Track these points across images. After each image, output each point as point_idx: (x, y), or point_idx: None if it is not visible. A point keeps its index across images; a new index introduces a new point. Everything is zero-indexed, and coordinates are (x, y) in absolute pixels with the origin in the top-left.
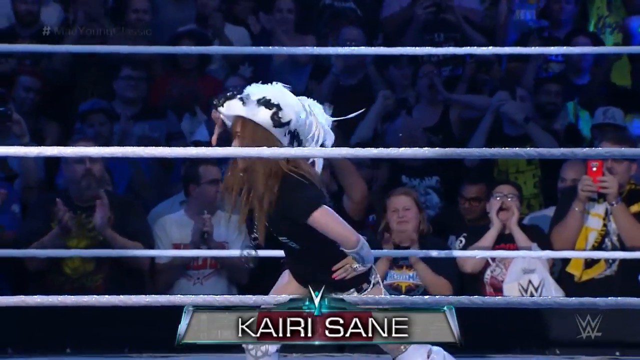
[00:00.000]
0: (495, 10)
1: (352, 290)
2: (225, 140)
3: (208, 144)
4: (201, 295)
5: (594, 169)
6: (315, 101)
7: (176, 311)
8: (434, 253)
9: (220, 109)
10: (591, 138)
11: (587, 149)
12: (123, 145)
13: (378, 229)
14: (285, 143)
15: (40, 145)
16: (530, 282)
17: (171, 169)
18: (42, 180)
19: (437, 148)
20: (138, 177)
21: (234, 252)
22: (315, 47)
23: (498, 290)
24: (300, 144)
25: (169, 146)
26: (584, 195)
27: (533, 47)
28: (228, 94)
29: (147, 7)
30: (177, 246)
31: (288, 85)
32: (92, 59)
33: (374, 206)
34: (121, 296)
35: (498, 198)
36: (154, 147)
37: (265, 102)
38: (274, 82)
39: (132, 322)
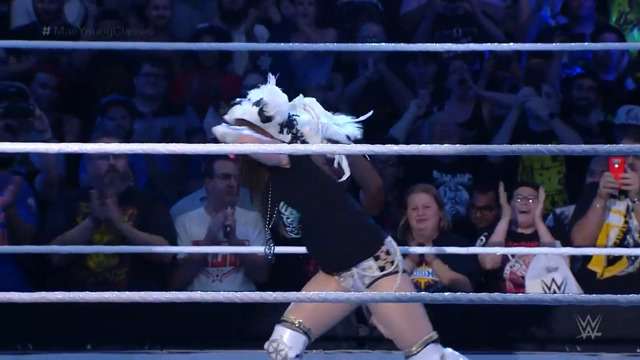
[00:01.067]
0: (515, 8)
1: (369, 259)
2: None
3: None
4: (221, 292)
5: (616, 165)
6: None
7: (196, 308)
8: (449, 250)
9: (226, 116)
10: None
11: (608, 145)
12: (144, 142)
13: (398, 226)
14: (285, 138)
15: (60, 142)
16: (553, 280)
17: (191, 165)
18: (63, 176)
19: (458, 145)
20: (156, 174)
21: (255, 249)
22: (332, 44)
23: (518, 285)
24: (303, 139)
25: (189, 142)
26: (605, 191)
27: (560, 44)
28: (232, 102)
29: (167, 3)
30: (196, 243)
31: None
32: (112, 56)
33: (393, 203)
34: (141, 292)
35: (518, 200)
36: (173, 144)
37: (256, 102)
38: (268, 81)
39: (152, 318)
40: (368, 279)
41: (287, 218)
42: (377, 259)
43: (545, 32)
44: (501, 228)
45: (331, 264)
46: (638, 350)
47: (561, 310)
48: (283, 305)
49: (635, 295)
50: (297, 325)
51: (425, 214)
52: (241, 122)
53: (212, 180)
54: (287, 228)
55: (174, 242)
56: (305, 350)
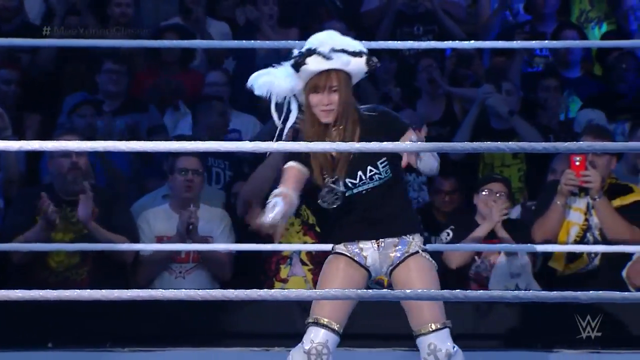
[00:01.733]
0: (476, 6)
1: (418, 234)
2: None
3: (190, 137)
4: (183, 290)
5: (577, 163)
6: None
7: (158, 305)
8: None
9: (305, 67)
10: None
11: (568, 143)
12: (105, 139)
13: None
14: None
15: (21, 139)
16: (517, 286)
17: (152, 163)
18: (23, 174)
19: (419, 142)
20: (116, 172)
21: (218, 246)
22: (298, 42)
23: (482, 286)
24: None
25: (151, 140)
26: (566, 189)
27: (521, 42)
28: (301, 51)
29: (130, 0)
30: (160, 239)
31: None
32: (75, 53)
33: None
34: (103, 291)
35: (485, 192)
36: (134, 142)
37: (355, 53)
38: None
39: (114, 316)
40: (414, 248)
41: (360, 183)
42: (422, 233)
43: (507, 30)
44: (483, 229)
45: (399, 227)
46: None
47: (561, 311)
48: (246, 303)
49: (596, 292)
50: (336, 329)
51: None
52: (335, 73)
53: (173, 176)
54: (336, 197)
55: (135, 241)
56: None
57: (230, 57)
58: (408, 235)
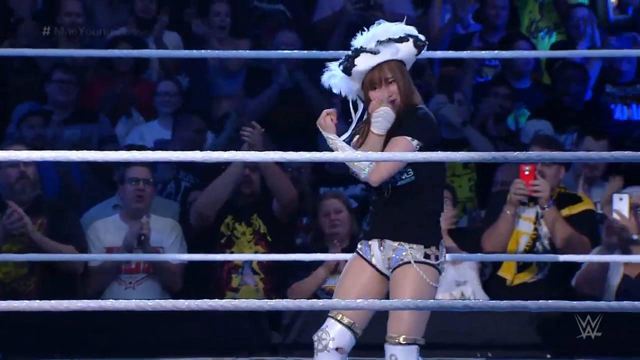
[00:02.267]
0: (426, 17)
1: (422, 245)
2: None
3: (142, 147)
4: (133, 300)
5: (527, 172)
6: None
7: (108, 316)
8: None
9: (356, 68)
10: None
11: (518, 152)
12: (55, 149)
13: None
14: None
15: None
16: (462, 294)
17: (103, 174)
18: None
19: (370, 152)
20: (67, 182)
21: (169, 257)
22: (250, 51)
23: None
24: None
25: (101, 150)
26: (515, 198)
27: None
28: (348, 54)
29: (80, 10)
30: (110, 250)
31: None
32: (24, 63)
33: (307, 208)
34: (52, 301)
35: None
36: (85, 151)
37: (401, 38)
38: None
39: (63, 326)
40: (408, 258)
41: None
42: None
43: (457, 40)
44: None
45: (403, 233)
46: None
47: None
48: (196, 313)
49: (545, 301)
50: (338, 319)
51: (338, 219)
52: (387, 64)
53: (124, 186)
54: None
55: (85, 252)
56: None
57: (182, 74)
58: (408, 244)
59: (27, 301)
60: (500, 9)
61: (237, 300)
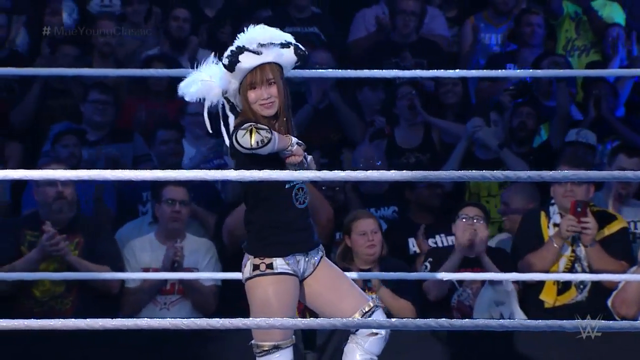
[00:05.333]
0: (460, 35)
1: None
2: None
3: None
4: (168, 319)
5: (579, 209)
6: None
7: (143, 335)
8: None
9: (239, 64)
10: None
11: (553, 172)
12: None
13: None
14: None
15: (4, 168)
16: (501, 315)
17: (138, 192)
18: (8, 203)
19: (404, 171)
20: (98, 203)
21: (203, 275)
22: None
23: (465, 315)
24: None
25: (136, 169)
26: (567, 234)
27: (500, 70)
28: (232, 50)
29: (113, 30)
30: (146, 270)
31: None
32: (59, 83)
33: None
34: (88, 320)
35: (464, 219)
36: (120, 170)
37: (283, 44)
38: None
39: (99, 346)
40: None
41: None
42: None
43: (492, 58)
44: (455, 259)
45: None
46: None
47: None
48: (231, 333)
49: (581, 320)
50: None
51: (375, 239)
52: (268, 66)
53: (160, 206)
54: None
55: (121, 272)
56: None
57: None
58: (246, 255)
59: (62, 320)
60: (537, 27)
61: (272, 319)
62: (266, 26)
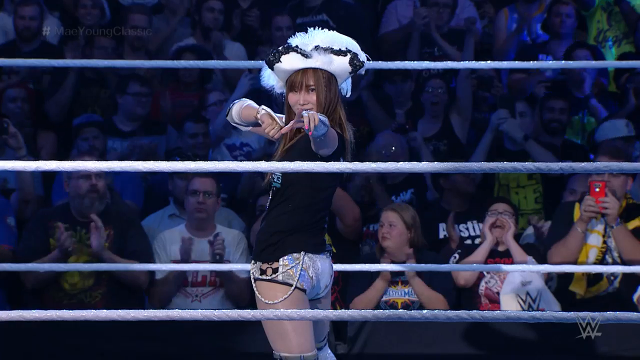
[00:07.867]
0: (493, 26)
1: (259, 261)
2: None
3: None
4: (199, 310)
5: (597, 189)
6: None
7: (174, 326)
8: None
9: (279, 65)
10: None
11: (585, 163)
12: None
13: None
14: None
15: (36, 159)
16: (528, 294)
17: (162, 183)
18: (40, 195)
19: (435, 162)
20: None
21: (235, 267)
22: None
23: (493, 301)
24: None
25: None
26: (586, 215)
27: (531, 62)
28: (279, 48)
29: (145, 22)
30: (176, 262)
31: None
32: (92, 75)
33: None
34: (119, 311)
35: (493, 216)
36: (152, 162)
37: (338, 51)
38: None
39: (130, 338)
40: (253, 275)
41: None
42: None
43: (524, 49)
44: (482, 250)
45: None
46: None
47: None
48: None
49: (612, 312)
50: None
51: (389, 233)
52: (312, 71)
53: (187, 197)
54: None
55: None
56: None
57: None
58: (253, 262)
59: (94, 311)
60: (565, 17)
61: (303, 310)
62: (336, 33)
